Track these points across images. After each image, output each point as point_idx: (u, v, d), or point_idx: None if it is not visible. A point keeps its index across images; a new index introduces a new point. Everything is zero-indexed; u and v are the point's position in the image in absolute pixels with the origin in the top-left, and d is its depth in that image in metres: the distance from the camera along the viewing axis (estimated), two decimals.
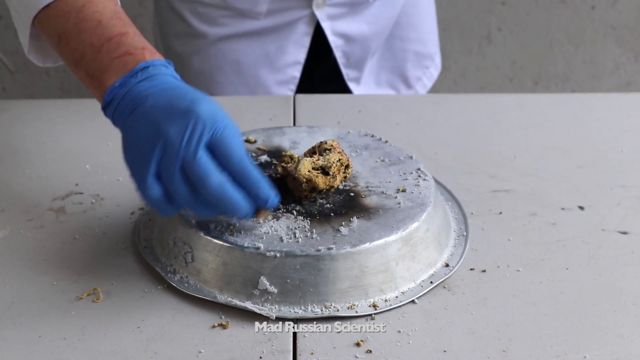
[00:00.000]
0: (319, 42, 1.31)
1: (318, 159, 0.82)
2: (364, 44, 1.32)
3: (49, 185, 0.96)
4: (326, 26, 1.28)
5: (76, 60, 0.80)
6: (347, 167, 0.84)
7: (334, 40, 1.30)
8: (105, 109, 0.78)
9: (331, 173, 0.81)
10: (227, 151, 0.72)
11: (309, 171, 0.80)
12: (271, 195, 0.74)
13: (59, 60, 0.90)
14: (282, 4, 1.25)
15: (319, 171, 0.82)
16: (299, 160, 0.81)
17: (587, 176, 1.00)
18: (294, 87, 1.33)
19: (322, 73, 1.38)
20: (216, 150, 0.72)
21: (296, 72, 1.31)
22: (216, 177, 0.71)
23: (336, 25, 1.29)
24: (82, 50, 0.79)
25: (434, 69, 1.47)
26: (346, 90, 1.35)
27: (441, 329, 0.74)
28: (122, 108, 0.76)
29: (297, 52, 1.30)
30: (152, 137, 0.72)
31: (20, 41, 0.88)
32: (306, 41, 1.29)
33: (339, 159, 0.82)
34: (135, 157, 0.73)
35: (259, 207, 0.75)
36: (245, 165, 0.73)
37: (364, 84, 1.37)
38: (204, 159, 0.71)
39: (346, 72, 1.34)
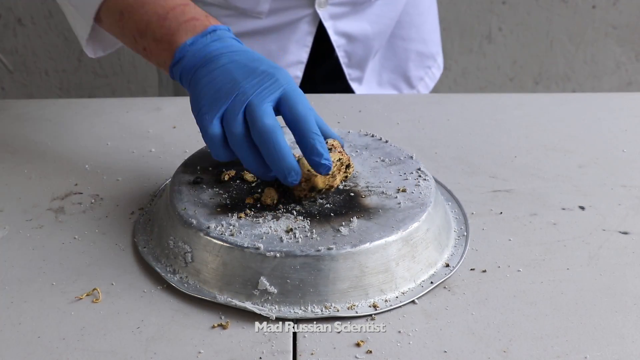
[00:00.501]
0: (321, 42, 1.30)
1: None
2: (366, 44, 1.32)
3: (48, 185, 0.96)
4: (328, 25, 1.28)
5: (141, 30, 0.88)
6: (348, 166, 0.84)
7: (336, 40, 1.29)
8: (173, 66, 0.85)
9: (330, 172, 0.81)
10: (294, 104, 0.79)
11: (308, 170, 0.80)
12: (325, 155, 0.78)
13: (110, 47, 1.02)
14: (284, 4, 1.24)
15: None
16: (298, 160, 0.81)
17: (587, 176, 1.00)
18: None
19: (323, 73, 1.38)
20: (284, 104, 0.79)
21: (298, 72, 1.31)
22: (271, 120, 0.77)
23: (338, 25, 1.28)
24: (147, 19, 0.87)
25: (436, 69, 1.47)
26: (348, 90, 1.35)
27: (441, 329, 0.74)
28: (194, 62, 0.83)
29: (299, 52, 1.30)
30: (228, 88, 0.79)
31: (76, 34, 0.99)
32: (308, 41, 1.29)
33: (339, 159, 0.82)
34: (206, 102, 0.80)
35: (314, 167, 0.78)
36: (308, 119, 0.79)
37: (366, 84, 1.37)
38: (267, 106, 0.78)
39: (348, 72, 1.34)
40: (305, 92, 0.83)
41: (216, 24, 0.86)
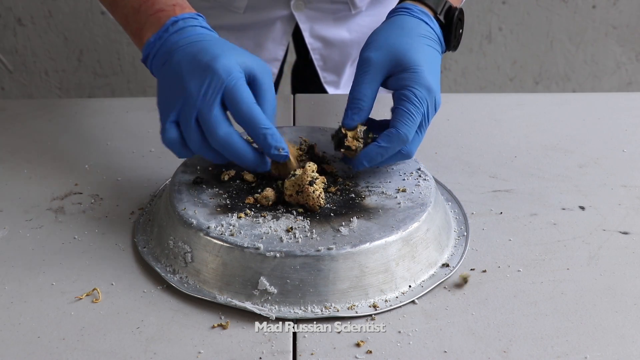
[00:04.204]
0: (301, 41, 1.32)
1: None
2: (343, 50, 1.32)
3: (48, 185, 0.96)
4: (304, 28, 1.28)
5: (124, 24, 0.91)
6: (310, 147, 0.89)
7: (311, 42, 1.30)
8: (144, 61, 0.87)
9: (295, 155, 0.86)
10: (236, 103, 0.79)
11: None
12: (280, 142, 0.80)
13: None
14: (262, 1, 1.25)
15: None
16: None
17: (587, 176, 1.00)
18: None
19: (307, 73, 1.39)
20: (227, 103, 0.80)
21: (274, 69, 1.33)
22: (224, 129, 0.79)
23: (315, 28, 1.29)
24: (126, 13, 0.89)
25: None
26: (324, 92, 1.36)
27: (441, 330, 0.74)
28: (157, 61, 0.85)
29: (275, 50, 1.30)
30: (177, 89, 0.80)
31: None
32: (285, 40, 1.30)
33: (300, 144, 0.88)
34: (162, 104, 0.82)
35: (273, 159, 0.81)
36: (252, 115, 0.79)
37: (344, 89, 1.37)
38: (216, 112, 0.79)
39: (323, 75, 1.35)
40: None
41: (182, 13, 0.86)
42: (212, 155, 0.82)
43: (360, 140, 0.85)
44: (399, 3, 0.93)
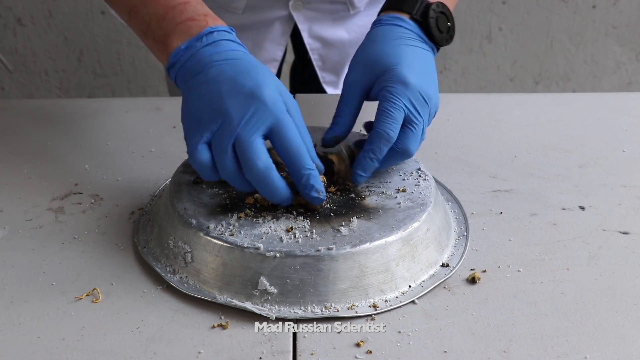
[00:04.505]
0: (301, 42, 1.32)
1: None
2: (342, 50, 1.33)
3: (48, 185, 0.96)
4: (303, 28, 1.28)
5: (144, 31, 0.86)
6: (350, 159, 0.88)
7: (310, 43, 1.30)
8: (169, 69, 0.83)
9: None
10: (284, 138, 0.77)
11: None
12: (320, 185, 0.78)
13: None
14: (260, 2, 1.25)
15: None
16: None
17: (588, 176, 1.00)
18: None
19: (305, 73, 1.39)
20: (273, 135, 0.77)
21: (272, 69, 1.32)
22: (263, 161, 0.76)
23: (314, 28, 1.29)
24: (148, 20, 0.85)
25: None
26: (323, 91, 1.36)
27: (441, 330, 0.74)
28: (186, 69, 0.81)
29: (274, 50, 1.30)
30: (213, 108, 0.77)
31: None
32: (284, 40, 1.30)
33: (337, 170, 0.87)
34: (192, 121, 0.78)
35: (310, 200, 0.79)
36: (300, 154, 0.77)
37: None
38: (258, 142, 0.76)
39: (322, 75, 1.35)
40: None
41: (214, 25, 0.83)
42: (241, 184, 0.78)
43: (345, 158, 0.86)
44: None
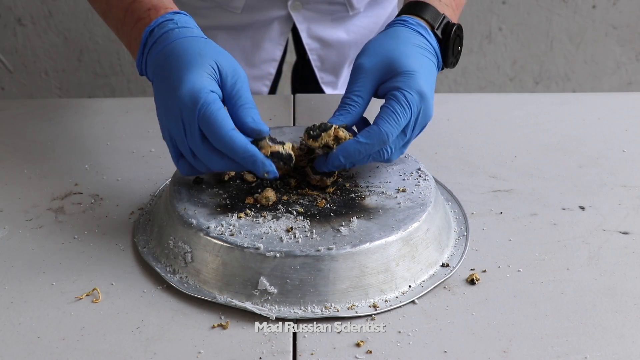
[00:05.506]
0: (300, 42, 1.32)
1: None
2: (341, 51, 1.32)
3: (48, 185, 0.96)
4: (302, 28, 1.28)
5: (116, 36, 0.89)
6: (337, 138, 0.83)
7: (308, 43, 1.30)
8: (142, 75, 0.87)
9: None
10: (213, 133, 0.77)
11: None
12: (265, 165, 0.78)
13: None
14: (259, 2, 1.25)
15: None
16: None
17: (587, 176, 1.00)
18: (269, 83, 1.34)
19: (305, 74, 1.39)
20: (204, 132, 0.78)
21: (272, 69, 1.32)
22: (218, 162, 0.78)
23: (313, 29, 1.29)
24: (114, 25, 0.87)
25: None
26: (321, 91, 1.36)
27: (441, 330, 0.74)
28: (148, 78, 0.85)
29: (273, 50, 1.30)
30: (163, 122, 0.81)
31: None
32: (283, 40, 1.30)
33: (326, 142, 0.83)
34: (163, 134, 0.82)
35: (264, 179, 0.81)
36: (233, 144, 0.77)
37: (341, 90, 1.37)
38: (205, 148, 0.78)
39: (321, 76, 1.35)
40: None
41: (156, 17, 0.83)
42: (225, 167, 0.80)
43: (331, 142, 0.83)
44: (396, 16, 0.93)
